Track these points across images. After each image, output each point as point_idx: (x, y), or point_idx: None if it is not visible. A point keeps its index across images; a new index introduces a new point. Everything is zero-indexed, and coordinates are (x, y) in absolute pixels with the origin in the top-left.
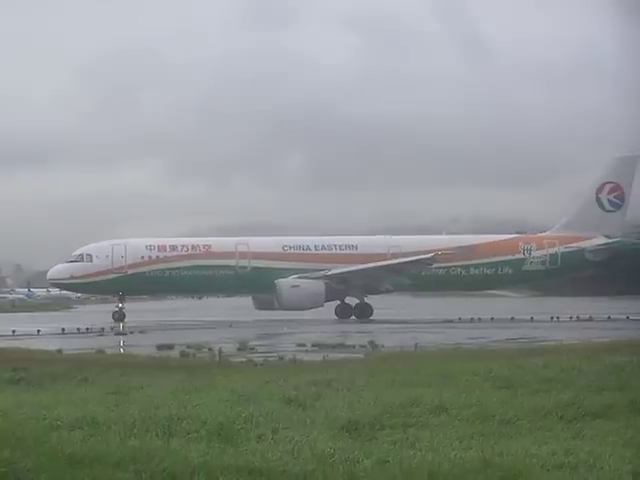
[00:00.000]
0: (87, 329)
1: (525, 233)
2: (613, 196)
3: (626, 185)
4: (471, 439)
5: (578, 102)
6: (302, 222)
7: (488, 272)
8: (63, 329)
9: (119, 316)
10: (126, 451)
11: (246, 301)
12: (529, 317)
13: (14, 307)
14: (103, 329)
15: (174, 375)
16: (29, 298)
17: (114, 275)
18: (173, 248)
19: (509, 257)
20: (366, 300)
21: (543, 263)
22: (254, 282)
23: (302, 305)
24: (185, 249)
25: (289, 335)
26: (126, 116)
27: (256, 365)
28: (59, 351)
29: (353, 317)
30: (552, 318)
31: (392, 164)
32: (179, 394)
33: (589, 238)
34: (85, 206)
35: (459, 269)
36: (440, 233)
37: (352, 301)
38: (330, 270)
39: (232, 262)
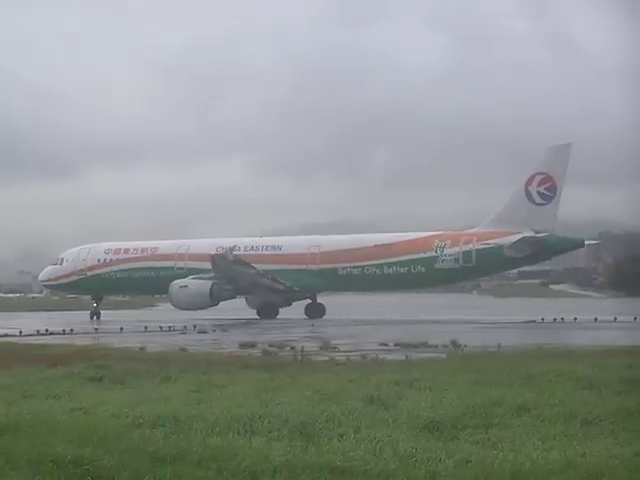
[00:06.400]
0: (169, 327)
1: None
2: (544, 188)
3: (558, 176)
4: (553, 439)
5: None
6: (385, 220)
7: (402, 271)
8: (146, 327)
9: (94, 314)
10: (208, 449)
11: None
12: (612, 318)
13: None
14: (185, 327)
15: (256, 373)
16: None
17: (76, 277)
18: (126, 251)
19: (421, 255)
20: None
21: (456, 261)
22: None
23: (189, 305)
24: (135, 252)
25: (370, 334)
26: (209, 114)
27: (338, 364)
28: (142, 349)
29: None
30: (635, 319)
31: (475, 162)
32: (261, 392)
33: (513, 234)
34: (168, 204)
35: (373, 268)
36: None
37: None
38: None
39: (172, 264)
